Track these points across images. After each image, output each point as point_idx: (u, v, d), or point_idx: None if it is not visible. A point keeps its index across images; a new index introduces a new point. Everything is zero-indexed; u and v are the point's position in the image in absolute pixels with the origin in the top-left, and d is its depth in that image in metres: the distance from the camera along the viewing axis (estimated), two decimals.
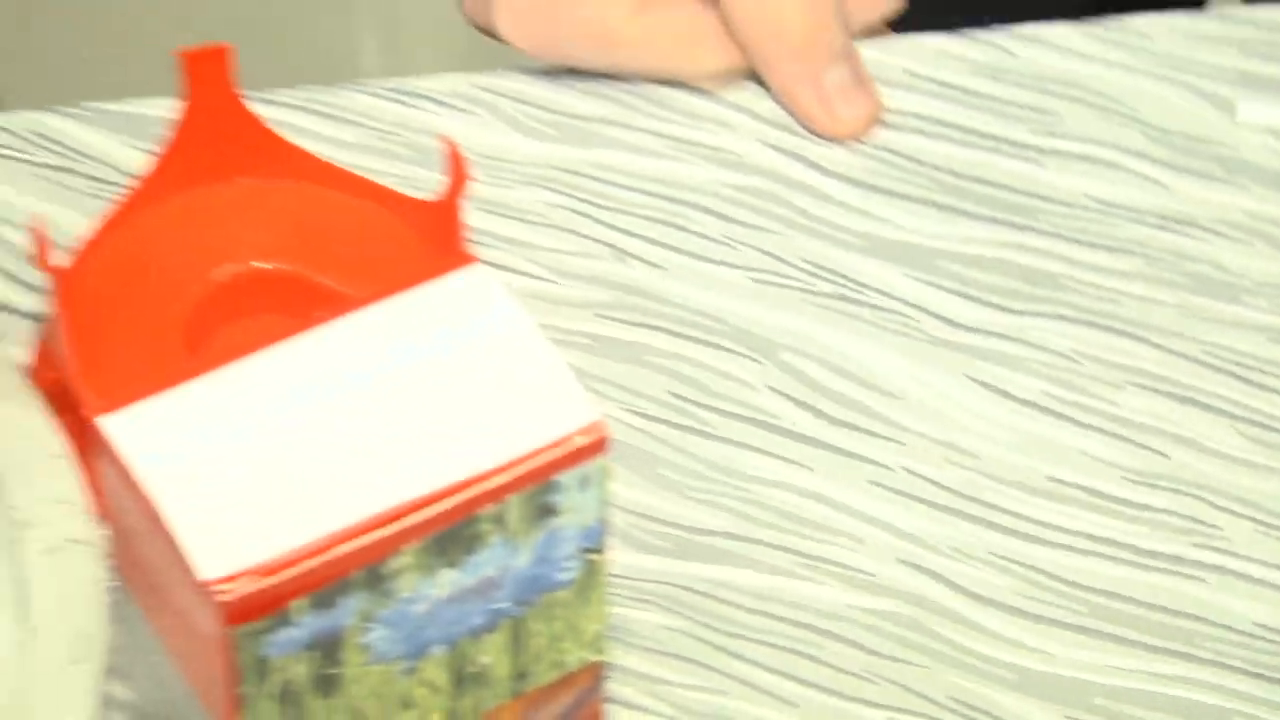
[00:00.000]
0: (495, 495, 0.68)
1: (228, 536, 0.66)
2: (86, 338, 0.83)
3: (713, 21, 0.93)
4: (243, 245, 0.86)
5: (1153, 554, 0.84)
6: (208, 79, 0.85)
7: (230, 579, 0.65)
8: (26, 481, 0.81)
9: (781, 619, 0.82)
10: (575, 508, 0.70)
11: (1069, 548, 0.84)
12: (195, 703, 0.71)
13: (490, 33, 0.95)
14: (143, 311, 0.85)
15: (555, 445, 0.68)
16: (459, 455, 0.68)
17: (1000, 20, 0.97)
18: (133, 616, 0.73)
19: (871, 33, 0.97)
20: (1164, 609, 0.83)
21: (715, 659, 0.81)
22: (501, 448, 0.68)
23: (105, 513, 0.80)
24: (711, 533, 0.84)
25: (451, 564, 0.68)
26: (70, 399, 0.83)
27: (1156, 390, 0.88)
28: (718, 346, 0.88)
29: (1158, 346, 0.89)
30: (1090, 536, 0.84)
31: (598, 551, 0.71)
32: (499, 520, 0.68)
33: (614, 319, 0.89)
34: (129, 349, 0.84)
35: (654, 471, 0.85)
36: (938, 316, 0.89)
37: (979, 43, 0.97)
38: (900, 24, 0.99)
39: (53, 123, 0.94)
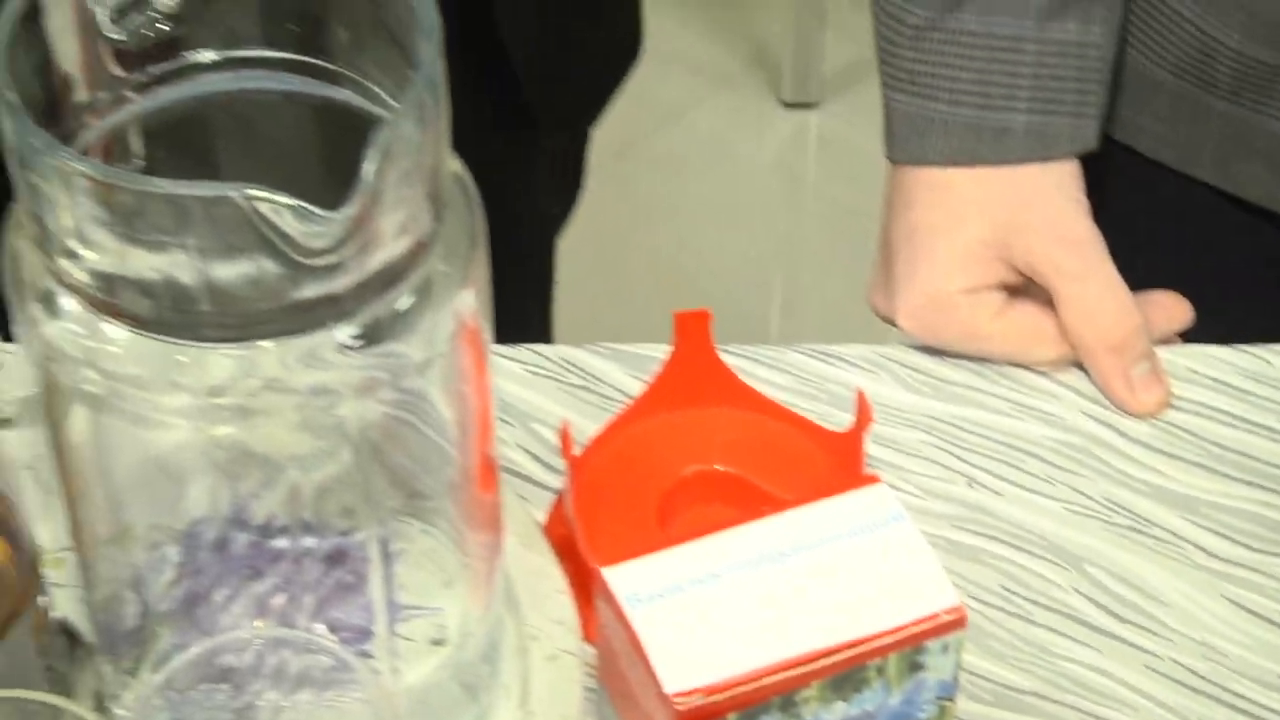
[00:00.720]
0: (881, 652, 0.69)
1: (686, 663, 0.68)
2: (588, 509, 0.86)
3: (1052, 324, 0.93)
4: (704, 452, 0.89)
5: None
6: (692, 332, 0.89)
7: (686, 694, 0.67)
8: (536, 606, 0.83)
9: None
10: (936, 666, 0.70)
11: None
12: None
13: (891, 322, 0.96)
14: (629, 494, 0.88)
15: (927, 619, 0.69)
16: (857, 620, 0.69)
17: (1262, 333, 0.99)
18: (606, 710, 0.74)
19: (1166, 340, 0.97)
20: None
21: None
22: (888, 618, 0.69)
23: (594, 635, 0.80)
24: (1023, 691, 0.84)
25: (843, 699, 0.69)
26: (573, 551, 0.85)
27: None
28: (1038, 556, 0.89)
29: None
30: None
31: (949, 700, 0.71)
32: (881, 670, 0.69)
33: (964, 529, 0.90)
34: (618, 520, 0.87)
35: (985, 643, 0.85)
36: (1203, 549, 0.89)
37: (1244, 353, 0.97)
38: (1187, 334, 0.98)
39: (578, 355, 0.96)
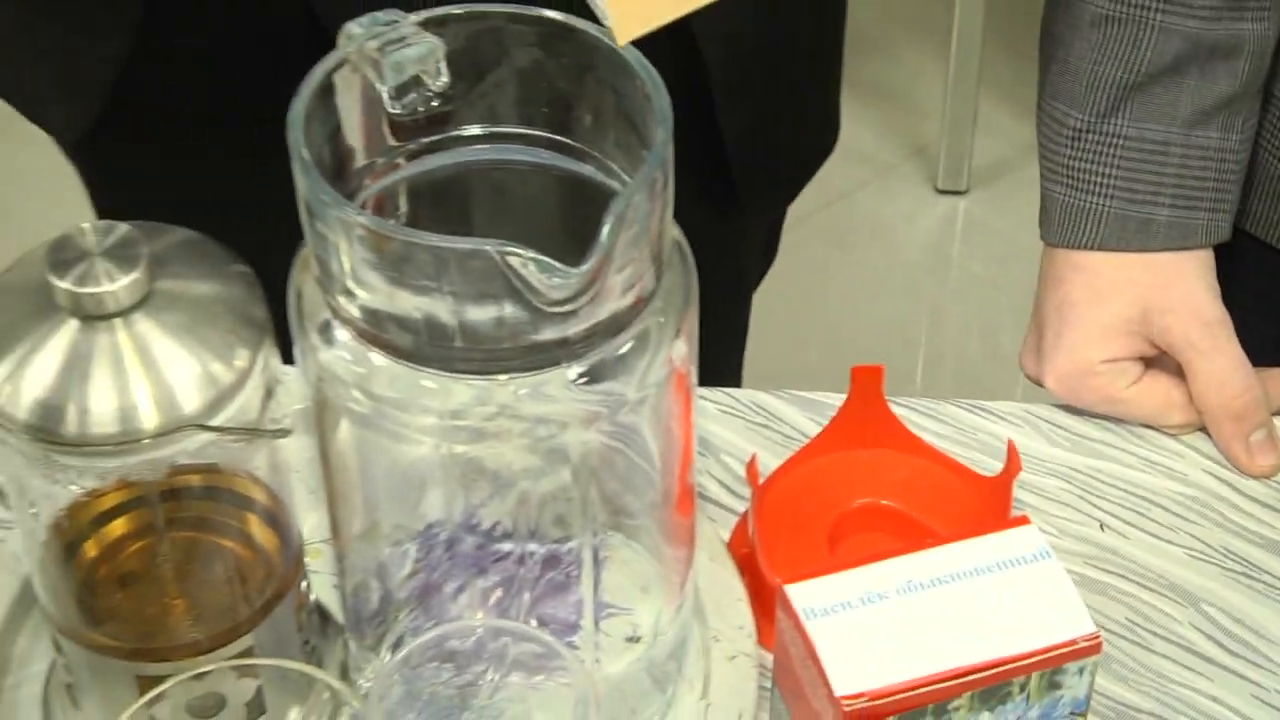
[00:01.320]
0: (1024, 670, 0.68)
1: (854, 670, 0.67)
2: (768, 531, 0.86)
3: (1182, 393, 0.93)
4: (871, 488, 0.88)
5: None
6: (866, 384, 0.88)
7: (853, 697, 0.67)
8: (719, 613, 0.83)
9: None
10: (1072, 686, 0.69)
11: None
12: None
13: (1039, 383, 0.95)
14: (804, 520, 0.87)
15: (1066, 645, 0.68)
16: (1005, 641, 0.68)
17: None
18: (779, 708, 0.73)
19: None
20: None
21: None
22: (1033, 641, 0.68)
23: (769, 640, 0.81)
24: (1142, 711, 0.83)
25: (989, 709, 0.69)
26: (754, 567, 0.85)
27: None
28: (1161, 594, 0.87)
29: None
30: None
31: (1082, 715, 0.70)
32: (1023, 686, 0.69)
33: (1096, 566, 0.88)
34: (793, 542, 0.86)
35: (1111, 668, 0.84)
36: None
37: None
38: None
39: (765, 399, 0.95)
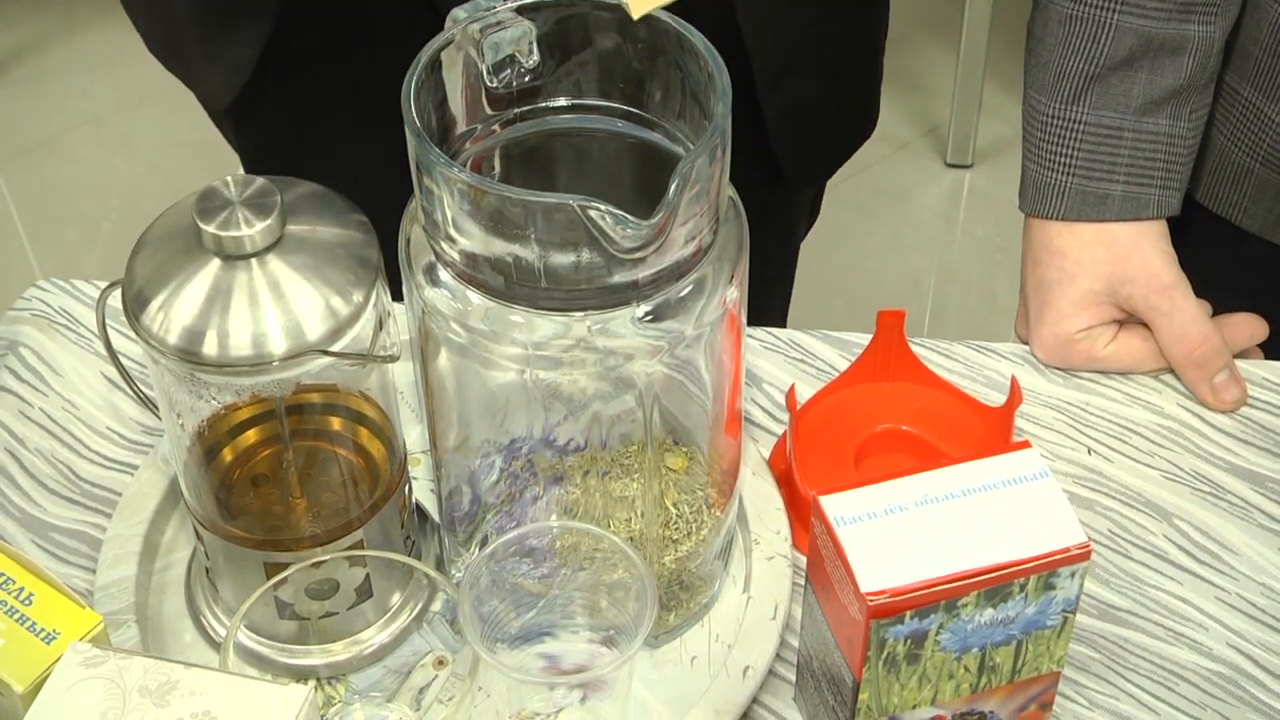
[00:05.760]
0: (1023, 573, 0.68)
1: (877, 570, 0.67)
2: (803, 450, 0.85)
3: (1152, 347, 0.91)
4: (892, 415, 0.87)
5: None
6: (890, 326, 0.87)
7: (876, 593, 0.66)
8: (759, 520, 0.83)
9: (1150, 663, 0.80)
10: (1065, 587, 0.69)
11: None
12: (838, 655, 0.71)
13: (1026, 343, 0.94)
14: (834, 441, 0.86)
15: (1061, 551, 0.68)
16: (1007, 548, 0.67)
17: None
18: (811, 601, 0.73)
19: (1245, 352, 0.94)
20: None
21: (1109, 675, 0.80)
22: (1031, 547, 0.68)
23: (803, 544, 0.82)
24: (1120, 610, 0.82)
25: (992, 605, 0.68)
26: (790, 481, 0.84)
27: None
28: (1138, 509, 0.86)
29: None
30: None
31: (1072, 612, 0.70)
32: (1023, 587, 0.68)
33: (1083, 485, 0.87)
34: (824, 460, 0.85)
35: (1095, 572, 0.84)
36: (1266, 514, 0.86)
37: None
38: (1264, 346, 0.95)
39: (802, 337, 0.93)
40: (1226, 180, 0.98)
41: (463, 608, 0.71)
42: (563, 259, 0.66)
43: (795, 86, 0.97)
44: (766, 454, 0.88)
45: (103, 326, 0.76)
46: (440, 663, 0.78)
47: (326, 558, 0.75)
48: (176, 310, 0.69)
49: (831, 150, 1.05)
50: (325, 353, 0.70)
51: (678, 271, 0.68)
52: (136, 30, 1.03)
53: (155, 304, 0.70)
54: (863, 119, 1.06)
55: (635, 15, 0.67)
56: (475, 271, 0.68)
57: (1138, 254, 0.90)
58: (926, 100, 2.30)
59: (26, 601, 0.66)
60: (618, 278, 0.66)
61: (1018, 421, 0.89)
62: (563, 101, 0.72)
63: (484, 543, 0.78)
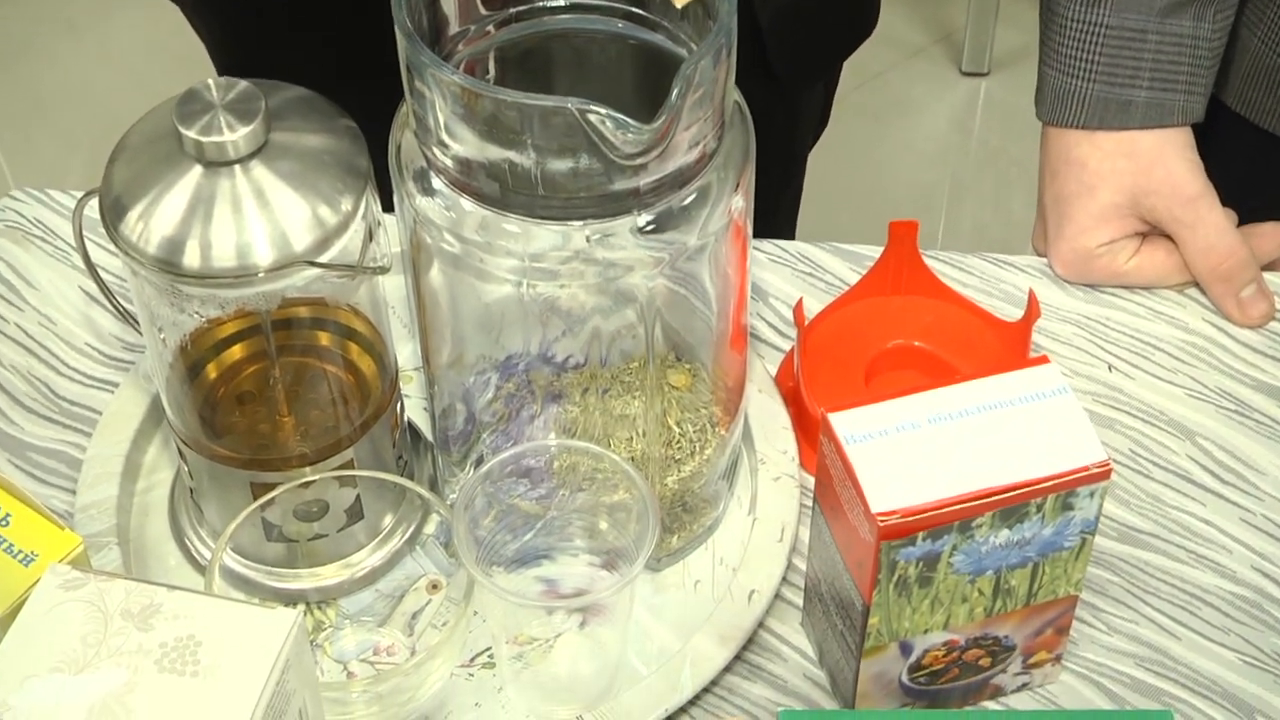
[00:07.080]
0: (1040, 493, 0.67)
1: (888, 490, 0.67)
2: (811, 367, 0.85)
3: (1176, 260, 0.91)
4: (904, 330, 0.87)
5: None
6: (902, 237, 0.87)
7: (887, 514, 0.66)
8: (766, 439, 0.83)
9: (1171, 587, 0.81)
10: (1083, 508, 0.69)
11: None
12: (847, 578, 0.71)
13: (1044, 257, 0.94)
14: (843, 358, 0.86)
15: (1080, 470, 0.67)
16: (1024, 467, 0.67)
17: None
18: (820, 523, 0.73)
19: (1273, 264, 0.93)
20: None
21: (1128, 599, 0.80)
22: (1049, 466, 0.67)
23: (811, 465, 0.81)
24: (1142, 532, 0.82)
25: (1008, 526, 0.68)
26: (798, 398, 0.84)
27: None
28: (1160, 428, 0.86)
29: None
30: None
31: (1091, 534, 0.70)
32: (1040, 507, 0.68)
33: (1103, 403, 0.87)
34: (833, 377, 0.85)
35: (1114, 493, 0.84)
36: None
37: None
38: None
39: (810, 250, 0.93)
40: (1260, 85, 0.97)
41: (457, 529, 0.71)
42: (560, 165, 0.65)
43: None
44: (773, 371, 0.88)
45: (79, 237, 0.75)
46: (434, 586, 0.78)
47: (315, 478, 0.75)
48: (156, 219, 0.69)
49: (828, 50, 1.04)
50: (313, 264, 0.69)
51: (680, 179, 0.67)
52: None
53: (134, 213, 0.69)
54: (861, 20, 1.05)
55: None
56: (469, 178, 0.67)
57: (1161, 164, 0.90)
58: (940, 5, 2.28)
59: (4, 522, 0.66)
60: (618, 185, 0.66)
61: (1035, 337, 0.89)
62: (560, 1, 0.71)
63: (479, 463, 0.78)
